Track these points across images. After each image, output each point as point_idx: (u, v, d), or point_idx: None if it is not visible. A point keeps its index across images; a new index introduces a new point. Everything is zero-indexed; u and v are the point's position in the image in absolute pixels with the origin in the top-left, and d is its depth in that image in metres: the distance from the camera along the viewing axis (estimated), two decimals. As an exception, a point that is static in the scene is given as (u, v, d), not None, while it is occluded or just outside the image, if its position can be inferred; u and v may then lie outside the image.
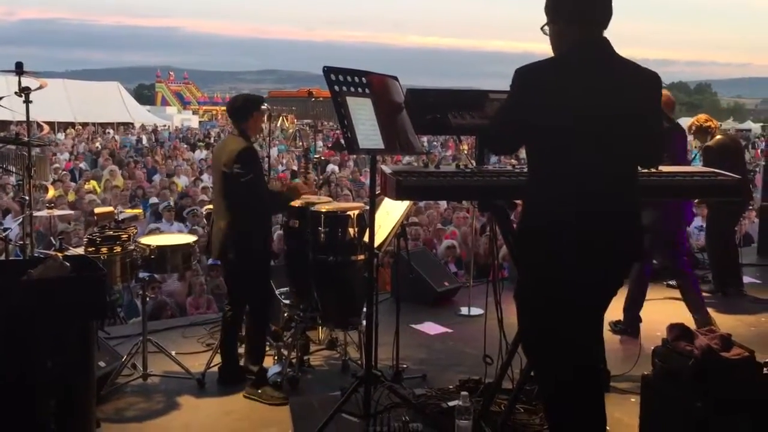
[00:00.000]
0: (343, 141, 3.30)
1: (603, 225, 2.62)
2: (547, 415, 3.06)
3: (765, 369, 3.37)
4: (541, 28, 2.78)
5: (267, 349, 4.58)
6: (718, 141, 6.57)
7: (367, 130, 3.27)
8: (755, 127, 41.09)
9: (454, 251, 8.17)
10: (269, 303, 4.62)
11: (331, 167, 15.52)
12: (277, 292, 4.88)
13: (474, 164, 3.47)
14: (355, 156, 16.00)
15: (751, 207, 10.60)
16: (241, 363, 4.50)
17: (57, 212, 5.54)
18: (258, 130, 4.57)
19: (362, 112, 3.30)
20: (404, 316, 4.70)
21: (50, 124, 25.85)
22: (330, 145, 16.63)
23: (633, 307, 5.36)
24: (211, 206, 4.85)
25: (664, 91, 6.91)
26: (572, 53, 2.67)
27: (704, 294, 6.74)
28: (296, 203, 4.56)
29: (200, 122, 44.73)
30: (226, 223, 4.28)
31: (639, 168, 2.83)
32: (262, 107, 4.50)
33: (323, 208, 4.48)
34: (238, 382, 4.40)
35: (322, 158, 6.91)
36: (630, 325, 5.36)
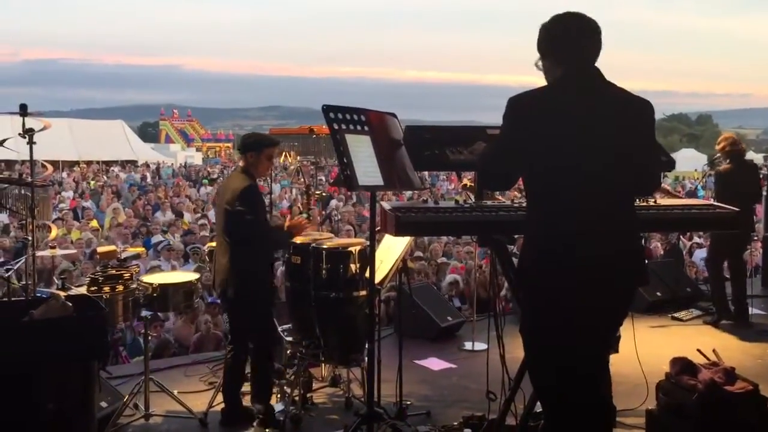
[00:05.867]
0: (342, 178, 3.32)
1: (602, 260, 2.61)
2: None
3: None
4: (535, 64, 2.84)
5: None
6: (725, 169, 6.63)
7: (367, 167, 3.30)
8: (757, 158, 41.06)
9: (457, 286, 8.17)
10: (273, 341, 4.60)
11: (334, 203, 15.55)
12: (279, 328, 4.86)
13: (473, 199, 3.48)
14: (357, 192, 16.06)
15: (756, 237, 10.56)
16: (246, 402, 4.46)
17: (59, 252, 5.55)
18: (265, 172, 4.56)
19: (361, 149, 3.33)
20: (407, 351, 4.68)
21: (55, 163, 26.08)
22: (331, 181, 16.70)
23: None
24: (213, 243, 4.87)
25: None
26: (563, 82, 2.71)
27: (707, 325, 6.72)
28: (298, 239, 4.58)
29: (203, 159, 45.02)
30: (227, 260, 4.28)
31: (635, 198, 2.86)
32: (274, 148, 4.45)
33: (325, 245, 4.49)
34: (241, 424, 4.36)
35: (324, 194, 6.94)
36: None
